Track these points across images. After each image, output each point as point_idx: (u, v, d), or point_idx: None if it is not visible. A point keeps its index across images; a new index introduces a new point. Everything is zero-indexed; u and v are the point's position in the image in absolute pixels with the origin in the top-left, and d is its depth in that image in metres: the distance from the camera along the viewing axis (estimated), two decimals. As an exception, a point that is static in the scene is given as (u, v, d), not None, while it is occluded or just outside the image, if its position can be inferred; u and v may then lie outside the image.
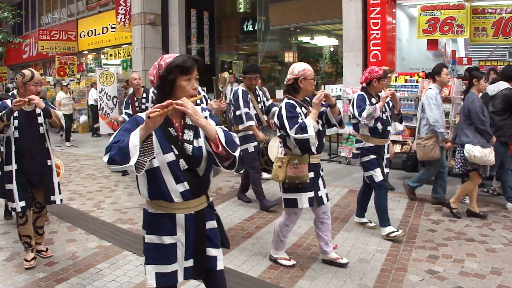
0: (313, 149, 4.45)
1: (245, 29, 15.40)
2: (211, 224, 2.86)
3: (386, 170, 5.61)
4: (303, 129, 4.23)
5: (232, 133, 2.71)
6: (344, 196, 7.45)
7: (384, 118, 5.48)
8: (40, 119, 4.86)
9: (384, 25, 10.17)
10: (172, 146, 2.64)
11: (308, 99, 4.62)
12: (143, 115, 2.62)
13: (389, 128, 5.59)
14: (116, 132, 2.60)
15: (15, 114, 4.70)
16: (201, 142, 2.73)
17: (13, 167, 4.78)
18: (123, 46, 17.28)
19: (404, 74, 9.29)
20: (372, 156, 5.46)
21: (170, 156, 2.62)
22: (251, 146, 6.78)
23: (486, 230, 5.75)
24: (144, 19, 15.01)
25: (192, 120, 2.57)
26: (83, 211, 6.81)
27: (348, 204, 6.94)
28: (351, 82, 10.38)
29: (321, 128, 4.58)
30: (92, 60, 20.41)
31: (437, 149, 6.63)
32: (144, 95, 7.99)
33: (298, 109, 4.43)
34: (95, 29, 19.18)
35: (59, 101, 14.40)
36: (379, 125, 5.41)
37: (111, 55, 18.18)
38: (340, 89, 11.23)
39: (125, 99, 8.26)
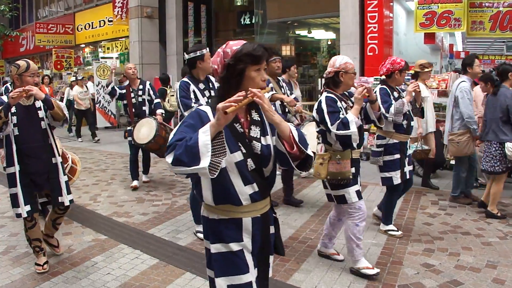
0: (354, 145, 4.30)
1: (242, 23, 15.35)
2: (271, 229, 2.65)
3: (409, 167, 5.36)
4: (345, 125, 4.05)
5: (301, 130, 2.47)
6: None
7: (408, 112, 5.18)
8: (41, 113, 4.47)
9: (381, 19, 10.14)
10: (239, 144, 2.39)
11: (346, 93, 4.46)
12: (206, 108, 2.44)
13: (412, 123, 5.32)
14: (177, 128, 2.37)
15: (13, 109, 4.33)
16: (269, 140, 2.50)
17: (16, 168, 4.38)
18: (120, 39, 17.23)
19: (401, 68, 9.26)
20: (396, 156, 5.18)
21: (238, 156, 2.38)
22: None
23: (482, 224, 5.76)
24: (141, 12, 14.97)
25: (266, 116, 2.35)
26: (79, 204, 6.79)
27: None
28: (348, 76, 10.35)
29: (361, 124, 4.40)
30: (89, 54, 20.35)
31: (471, 145, 6.40)
32: (141, 86, 7.79)
33: (338, 104, 4.24)
34: (92, 23, 19.10)
35: (76, 95, 13.64)
36: (404, 121, 5.15)
37: (108, 48, 18.12)
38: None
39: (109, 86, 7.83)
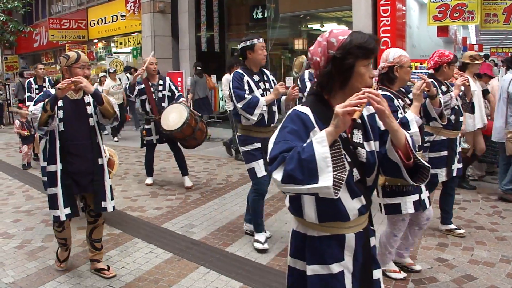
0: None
1: (254, 17, 15.31)
2: (372, 241, 2.38)
3: (459, 165, 5.08)
4: (405, 125, 3.49)
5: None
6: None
7: (456, 107, 4.88)
8: (90, 109, 4.16)
9: (394, 12, 10.07)
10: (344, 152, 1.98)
11: (403, 89, 4.13)
12: (305, 109, 2.10)
13: (461, 118, 5.04)
14: (277, 135, 2.05)
15: (60, 103, 4.03)
16: (372, 145, 2.21)
17: (58, 167, 4.05)
18: (133, 34, 17.27)
19: (414, 61, 9.19)
20: (444, 153, 4.94)
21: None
22: None
23: (496, 218, 5.72)
24: (154, 7, 15.00)
25: (385, 123, 2.06)
26: (93, 199, 6.83)
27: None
28: (361, 69, 10.34)
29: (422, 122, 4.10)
30: (102, 49, 20.43)
31: None
32: (161, 82, 7.46)
33: (395, 102, 3.87)
34: (105, 18, 19.15)
35: (107, 90, 12.57)
36: (452, 116, 4.86)
37: (121, 43, 18.18)
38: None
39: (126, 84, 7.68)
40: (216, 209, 6.29)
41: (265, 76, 5.06)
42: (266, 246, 4.89)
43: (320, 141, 1.83)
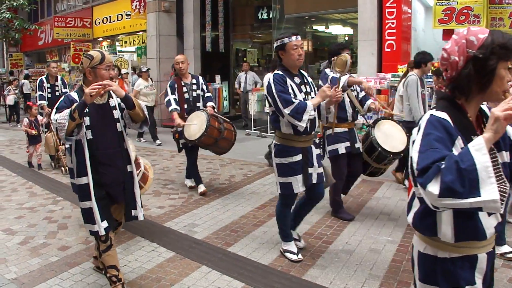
0: None
1: (259, 17, 15.35)
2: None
3: None
4: None
5: None
6: (357, 185, 7.43)
7: None
8: (116, 114, 3.85)
9: (399, 15, 10.08)
10: None
11: None
12: (442, 114, 1.94)
13: None
14: (420, 143, 1.87)
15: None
16: (504, 156, 2.02)
17: (89, 178, 3.71)
18: (137, 33, 17.29)
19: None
20: None
21: None
22: (342, 147, 5.60)
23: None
24: (159, 6, 15.02)
25: None
26: (96, 197, 6.83)
27: (361, 194, 6.92)
28: (366, 72, 10.34)
29: None
30: (107, 47, 20.47)
31: None
32: (194, 81, 6.99)
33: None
34: (110, 16, 19.19)
35: (137, 90, 11.73)
36: None
37: (125, 42, 18.20)
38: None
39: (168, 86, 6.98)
40: (219, 209, 6.29)
41: (304, 79, 4.54)
42: (300, 257, 4.61)
43: (478, 149, 1.66)
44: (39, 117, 9.48)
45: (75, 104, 3.54)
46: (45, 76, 10.02)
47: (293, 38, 4.30)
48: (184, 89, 6.91)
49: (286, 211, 4.67)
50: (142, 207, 4.08)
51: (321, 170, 4.60)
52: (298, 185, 4.41)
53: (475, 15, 9.39)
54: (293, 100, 4.21)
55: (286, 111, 4.18)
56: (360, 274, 4.33)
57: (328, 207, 6.12)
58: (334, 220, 5.75)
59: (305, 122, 4.22)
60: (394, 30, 10.16)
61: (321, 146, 5.78)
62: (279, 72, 4.37)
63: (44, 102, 9.74)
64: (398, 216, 5.90)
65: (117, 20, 18.70)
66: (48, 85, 9.76)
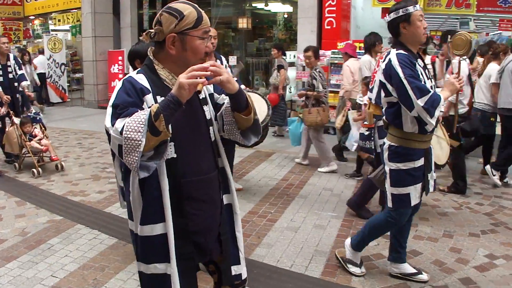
0: None
1: (198, -6, 15.08)
2: None
3: None
4: None
5: None
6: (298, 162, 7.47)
7: None
8: (209, 112, 2.35)
9: (339, -8, 10.15)
10: None
11: None
12: None
13: None
14: None
15: None
16: None
17: (169, 226, 2.15)
18: (72, 11, 16.64)
19: (358, 42, 9.28)
20: None
21: None
22: None
23: (437, 195, 5.88)
24: (94, -18, 14.46)
25: None
26: (32, 184, 6.58)
27: (303, 170, 6.98)
28: (306, 49, 10.37)
29: None
30: (39, 26, 19.64)
31: None
32: (218, 62, 4.98)
33: None
34: (42, -7, 18.40)
35: None
36: None
37: (59, 20, 17.50)
38: (294, 56, 11.21)
39: None
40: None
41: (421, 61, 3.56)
42: (363, 270, 3.97)
43: None
44: None
45: (154, 105, 1.99)
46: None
47: (417, 7, 3.40)
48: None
49: (391, 227, 3.82)
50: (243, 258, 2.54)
51: (435, 175, 3.85)
52: (416, 195, 3.61)
53: (412, -8, 9.53)
54: (429, 89, 3.32)
55: (420, 102, 3.23)
56: (306, 251, 4.36)
57: (271, 184, 6.13)
58: (277, 198, 5.77)
59: (435, 119, 3.34)
60: (334, 8, 10.25)
61: (372, 138, 5.14)
62: (402, 51, 3.41)
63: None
64: (340, 191, 5.98)
65: (50, -3, 17.93)
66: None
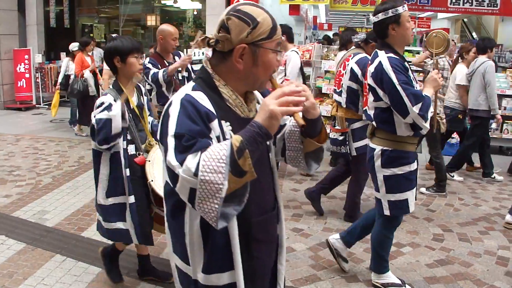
0: None
1: (106, -9, 14.77)
2: None
3: None
4: None
5: None
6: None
7: None
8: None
9: (247, -10, 10.26)
10: None
11: None
12: None
13: None
14: None
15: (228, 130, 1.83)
16: None
17: (239, 273, 1.81)
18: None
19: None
20: None
21: None
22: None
23: (345, 187, 6.11)
24: (-4, -23, 13.75)
25: None
26: None
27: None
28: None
29: None
30: None
31: None
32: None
33: None
34: None
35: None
36: None
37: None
38: (203, 53, 11.24)
39: None
40: (69, 193, 6.02)
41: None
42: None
43: None
44: None
45: (234, 136, 1.60)
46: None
47: (406, 7, 3.28)
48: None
49: (391, 235, 3.69)
50: None
51: None
52: (413, 201, 3.53)
53: (318, -9, 9.88)
54: (423, 94, 3.24)
55: (416, 109, 3.15)
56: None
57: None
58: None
59: (428, 121, 3.26)
60: (242, 5, 10.36)
61: (347, 143, 5.02)
62: (391, 55, 3.28)
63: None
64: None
65: None
66: None
